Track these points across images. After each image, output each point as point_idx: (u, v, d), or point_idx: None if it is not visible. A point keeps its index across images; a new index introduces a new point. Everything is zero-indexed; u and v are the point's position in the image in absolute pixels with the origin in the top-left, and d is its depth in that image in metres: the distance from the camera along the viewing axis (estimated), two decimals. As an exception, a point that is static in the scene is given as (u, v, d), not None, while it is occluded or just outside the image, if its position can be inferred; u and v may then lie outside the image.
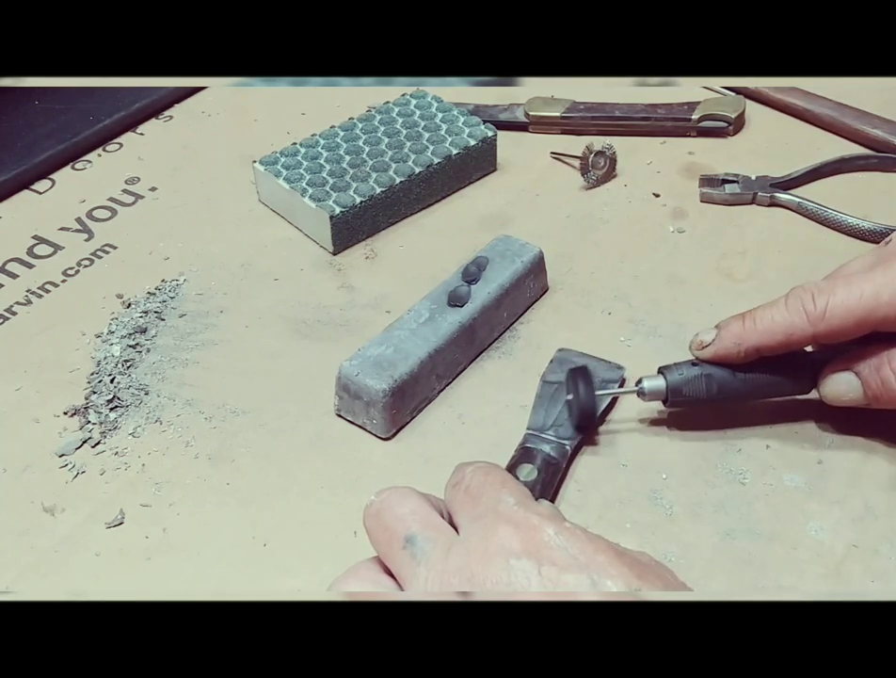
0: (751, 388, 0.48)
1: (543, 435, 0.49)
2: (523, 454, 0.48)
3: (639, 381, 0.49)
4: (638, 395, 0.49)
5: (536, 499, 0.44)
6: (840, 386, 0.48)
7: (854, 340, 0.46)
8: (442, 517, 0.38)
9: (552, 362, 0.53)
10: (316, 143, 0.65)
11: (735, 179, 0.65)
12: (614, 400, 0.51)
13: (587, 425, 0.49)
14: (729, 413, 0.51)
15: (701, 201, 0.65)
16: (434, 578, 0.34)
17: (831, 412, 0.50)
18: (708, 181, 0.65)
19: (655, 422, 0.51)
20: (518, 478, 0.45)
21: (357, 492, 0.48)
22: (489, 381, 0.53)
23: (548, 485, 0.46)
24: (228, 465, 0.49)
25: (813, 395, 0.49)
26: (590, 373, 0.49)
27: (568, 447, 0.48)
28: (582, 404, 0.48)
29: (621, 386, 0.51)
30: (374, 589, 0.36)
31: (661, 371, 0.49)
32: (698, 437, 0.50)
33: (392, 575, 0.37)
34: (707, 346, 0.48)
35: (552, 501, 0.47)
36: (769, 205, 0.64)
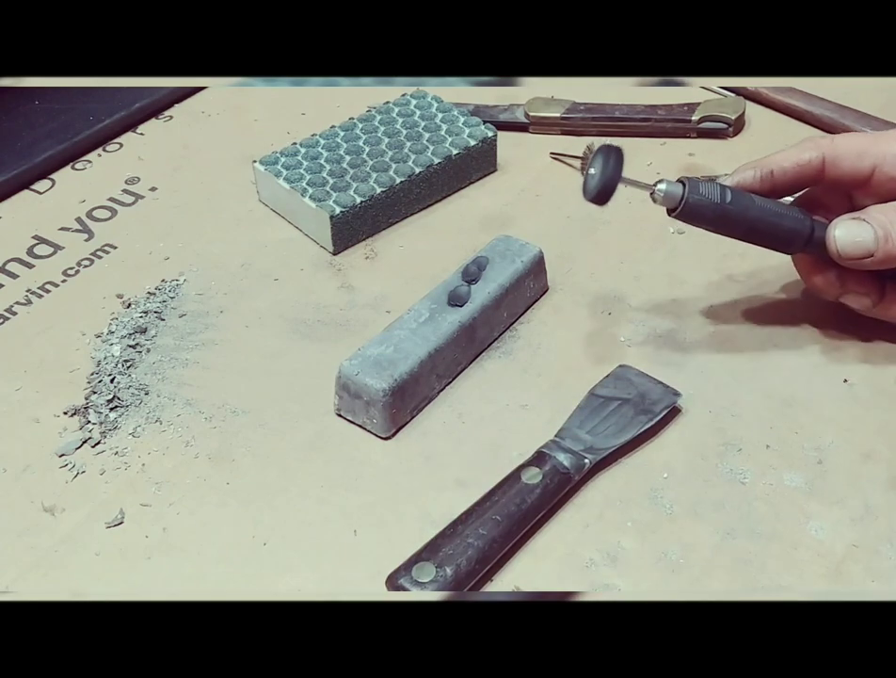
0: (757, 209, 0.48)
1: (564, 444, 0.48)
2: (536, 457, 0.47)
3: (659, 181, 0.48)
4: (652, 195, 0.48)
5: (537, 503, 0.45)
6: (851, 227, 0.48)
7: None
8: None
9: (607, 376, 0.51)
10: (316, 143, 0.65)
11: (735, 179, 0.65)
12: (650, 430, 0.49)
13: (602, 200, 0.47)
14: (729, 413, 0.51)
15: (701, 202, 0.65)
16: None
17: (831, 411, 0.50)
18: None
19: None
20: (521, 479, 0.45)
21: (357, 492, 0.48)
22: (489, 381, 0.53)
23: (550, 493, 0.45)
24: (228, 465, 0.49)
25: (807, 391, 0.49)
26: (622, 156, 0.46)
27: (587, 462, 0.47)
28: (607, 177, 0.46)
29: (669, 411, 0.50)
30: None
31: (680, 180, 0.48)
32: (699, 437, 0.50)
33: None
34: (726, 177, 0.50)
35: (556, 512, 0.46)
36: (769, 205, 0.64)
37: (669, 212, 0.49)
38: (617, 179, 0.46)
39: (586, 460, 0.47)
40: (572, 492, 0.47)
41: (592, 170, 0.47)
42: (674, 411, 0.50)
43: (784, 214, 0.49)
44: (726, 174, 0.51)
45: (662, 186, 0.48)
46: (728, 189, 0.48)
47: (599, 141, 0.65)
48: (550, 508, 0.46)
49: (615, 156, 0.46)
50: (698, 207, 0.48)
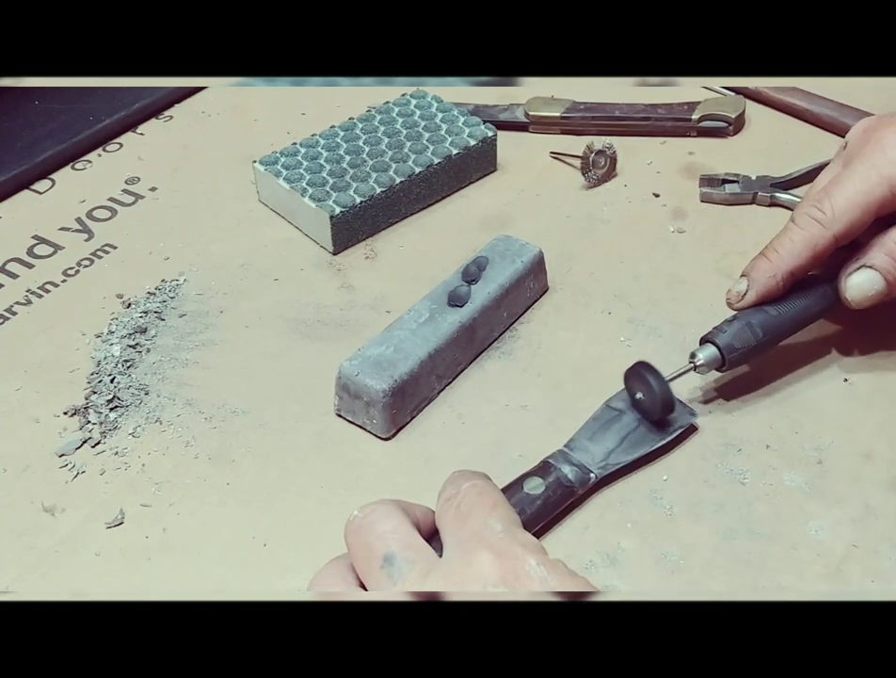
0: (789, 319, 0.50)
1: (572, 456, 0.47)
2: (541, 467, 0.46)
3: (693, 356, 0.49)
4: (696, 370, 0.49)
5: (537, 514, 0.44)
6: (862, 284, 0.49)
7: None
8: (422, 528, 0.38)
9: (623, 390, 0.50)
10: (316, 143, 0.65)
11: (735, 179, 0.64)
12: None
13: (669, 413, 0.48)
14: (729, 414, 0.51)
15: (701, 201, 0.65)
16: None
17: (831, 411, 0.50)
18: (708, 181, 0.65)
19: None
20: (523, 488, 0.45)
21: (357, 492, 0.48)
22: (489, 381, 0.53)
23: (551, 505, 0.45)
24: (228, 465, 0.49)
25: (810, 391, 0.49)
26: (650, 365, 0.48)
27: (592, 477, 0.46)
28: (660, 395, 0.47)
29: (685, 430, 0.49)
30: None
31: (705, 340, 0.49)
32: (698, 437, 0.50)
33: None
34: (745, 293, 0.50)
35: (555, 524, 0.46)
36: (769, 205, 0.64)
37: (718, 370, 0.50)
38: (668, 392, 0.47)
39: (592, 475, 0.46)
40: (574, 505, 0.47)
41: (639, 395, 0.48)
42: (690, 430, 0.50)
43: (810, 305, 0.51)
44: (742, 277, 0.50)
45: (700, 359, 0.49)
46: (758, 326, 0.49)
47: (598, 141, 0.66)
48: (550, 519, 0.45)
49: (648, 372, 0.48)
50: (741, 358, 0.49)
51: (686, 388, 0.51)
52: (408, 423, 0.51)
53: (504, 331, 0.56)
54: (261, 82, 0.74)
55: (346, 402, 0.50)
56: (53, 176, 0.69)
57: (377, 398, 0.49)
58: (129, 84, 0.72)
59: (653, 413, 0.48)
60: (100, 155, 0.71)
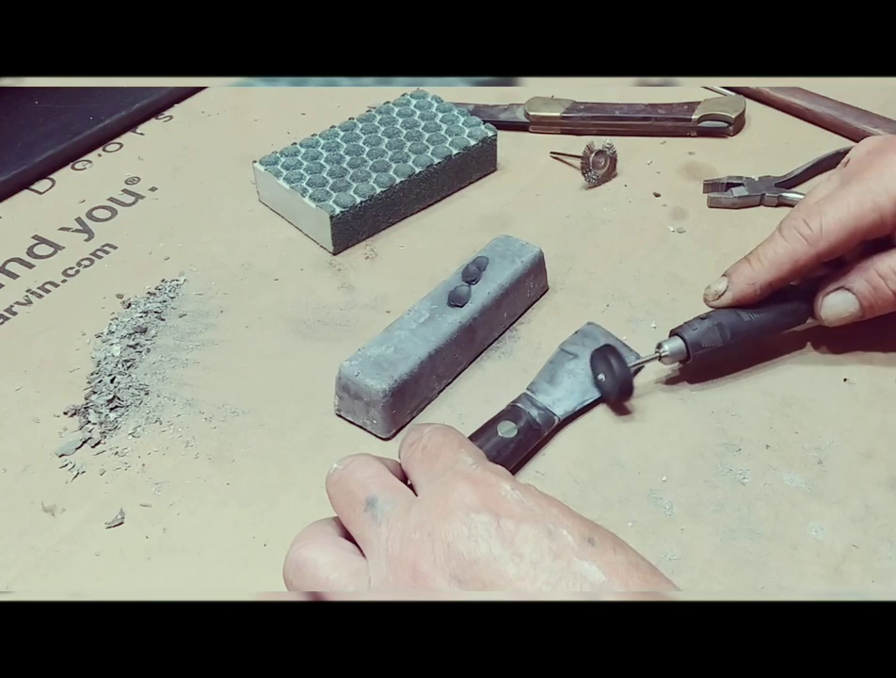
0: (758, 327, 0.51)
1: (536, 399, 0.50)
2: (511, 411, 0.49)
3: (659, 346, 0.50)
4: (660, 360, 0.50)
5: (510, 457, 0.47)
6: (837, 305, 0.50)
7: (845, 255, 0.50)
8: (395, 476, 0.39)
9: (576, 333, 0.54)
10: (316, 143, 0.65)
11: (740, 182, 0.64)
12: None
13: (627, 397, 0.50)
14: (729, 413, 0.51)
15: (709, 207, 0.64)
16: (395, 536, 0.35)
17: (831, 411, 0.50)
18: (713, 186, 0.64)
19: (656, 421, 0.51)
20: (498, 433, 0.47)
21: (357, 492, 0.48)
22: (489, 381, 0.53)
23: (522, 448, 0.48)
24: (228, 465, 0.49)
25: (808, 394, 0.49)
26: (616, 349, 0.50)
27: (555, 419, 0.49)
28: (620, 378, 0.49)
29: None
30: (334, 553, 0.36)
31: (674, 333, 0.51)
32: (698, 437, 0.50)
33: (351, 539, 0.37)
34: (723, 293, 0.51)
35: (522, 466, 0.48)
36: (776, 205, 0.64)
37: (682, 363, 0.51)
38: (628, 376, 0.49)
39: (556, 418, 0.49)
40: (540, 446, 0.49)
41: (601, 376, 0.50)
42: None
43: (781, 316, 0.52)
44: (724, 276, 0.51)
45: (666, 350, 0.50)
46: (728, 328, 0.50)
47: (598, 141, 0.66)
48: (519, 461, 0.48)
49: (612, 355, 0.50)
50: (706, 356, 0.50)
51: (683, 385, 0.51)
52: (407, 423, 0.51)
53: (504, 331, 0.56)
54: (261, 82, 0.74)
55: (346, 402, 0.50)
56: (53, 176, 0.69)
57: (377, 398, 0.49)
58: (129, 84, 0.73)
59: (611, 395, 0.50)
60: (100, 155, 0.71)
